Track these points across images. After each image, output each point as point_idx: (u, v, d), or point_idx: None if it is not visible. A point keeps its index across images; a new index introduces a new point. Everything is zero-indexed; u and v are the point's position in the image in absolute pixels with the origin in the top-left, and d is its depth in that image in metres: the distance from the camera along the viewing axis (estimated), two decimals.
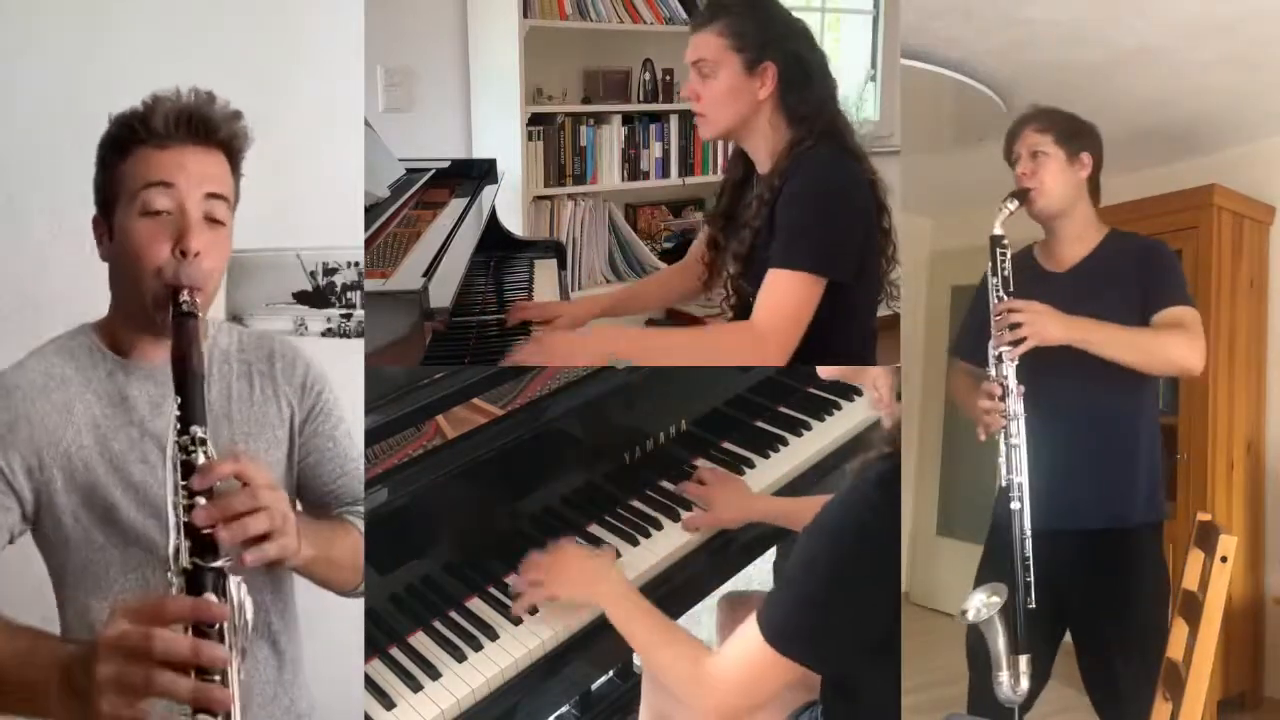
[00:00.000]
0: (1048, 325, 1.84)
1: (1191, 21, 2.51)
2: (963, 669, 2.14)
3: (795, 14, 1.77)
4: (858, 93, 4.63)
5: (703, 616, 2.30)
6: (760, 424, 2.08)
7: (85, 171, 2.23)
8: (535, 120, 3.52)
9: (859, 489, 1.26)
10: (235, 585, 1.02)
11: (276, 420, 1.46)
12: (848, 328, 1.70)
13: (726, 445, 2.03)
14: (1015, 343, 1.83)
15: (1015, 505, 1.84)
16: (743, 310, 1.74)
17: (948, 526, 4.68)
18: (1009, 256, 1.91)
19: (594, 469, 1.80)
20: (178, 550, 1.02)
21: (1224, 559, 1.63)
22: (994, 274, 1.90)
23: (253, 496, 1.09)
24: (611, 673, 2.24)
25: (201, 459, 1.06)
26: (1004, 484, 1.85)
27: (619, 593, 1.52)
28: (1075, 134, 2.04)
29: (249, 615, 1.02)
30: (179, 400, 1.08)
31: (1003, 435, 1.86)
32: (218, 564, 1.02)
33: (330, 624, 1.81)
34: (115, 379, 1.33)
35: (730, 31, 1.68)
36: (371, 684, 1.47)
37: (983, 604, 1.67)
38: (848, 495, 1.27)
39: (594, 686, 2.24)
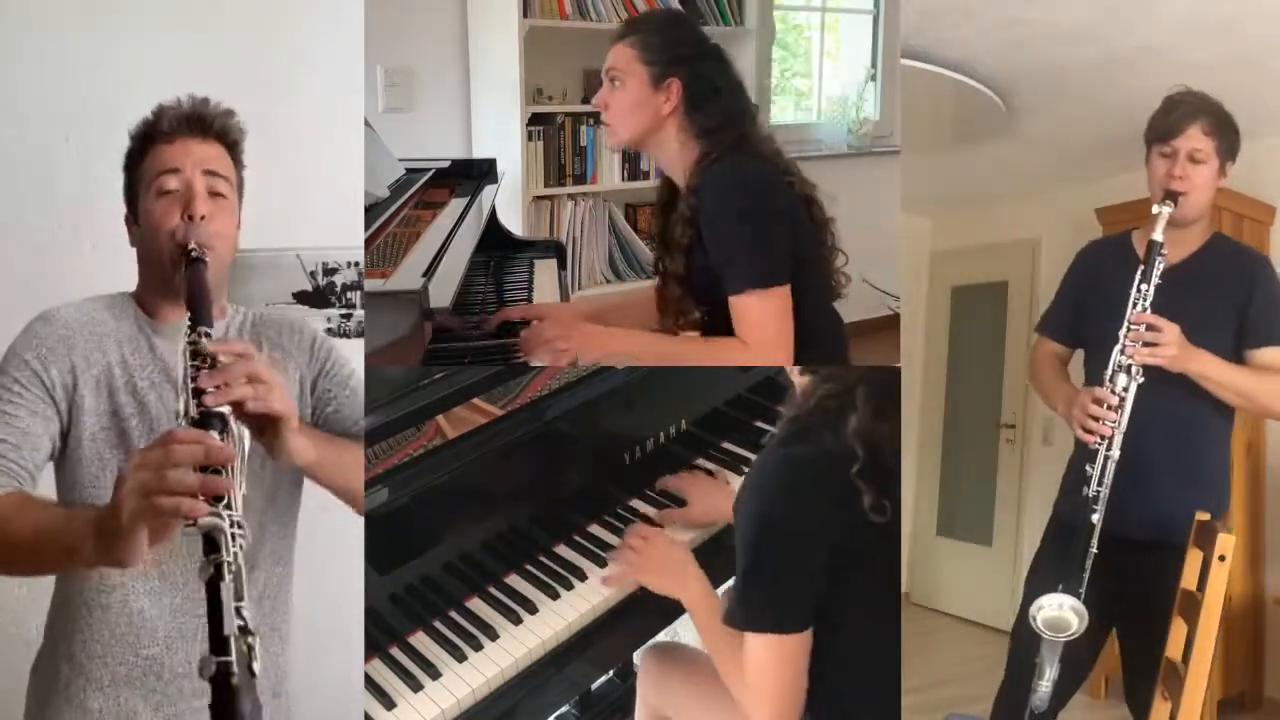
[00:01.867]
0: (1185, 355, 1.81)
1: (1191, 21, 2.52)
2: (964, 669, 2.14)
3: (734, 32, 1.79)
4: (858, 93, 4.64)
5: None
6: (760, 424, 2.08)
7: (85, 171, 2.24)
8: (535, 120, 3.53)
9: (757, 460, 1.37)
10: (234, 423, 1.20)
11: (290, 381, 1.56)
12: (799, 324, 1.70)
13: (726, 445, 2.03)
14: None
15: (1096, 518, 1.77)
16: (705, 328, 1.80)
17: (948, 526, 4.68)
18: (1163, 267, 1.82)
19: (594, 469, 1.80)
20: (186, 406, 1.19)
21: (1222, 558, 1.63)
22: (1145, 280, 1.81)
23: (248, 365, 1.25)
24: (611, 673, 2.24)
25: (207, 347, 1.25)
26: (1090, 493, 1.79)
27: (704, 593, 1.57)
28: (1233, 144, 1.95)
29: (246, 444, 1.20)
30: (190, 314, 1.30)
31: (1102, 445, 1.80)
32: (219, 409, 1.19)
33: (330, 623, 1.81)
34: (144, 331, 1.53)
35: (641, 45, 1.75)
36: (371, 684, 1.48)
37: (1059, 616, 1.67)
38: (751, 470, 1.37)
39: (594, 686, 2.24)
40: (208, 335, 1.27)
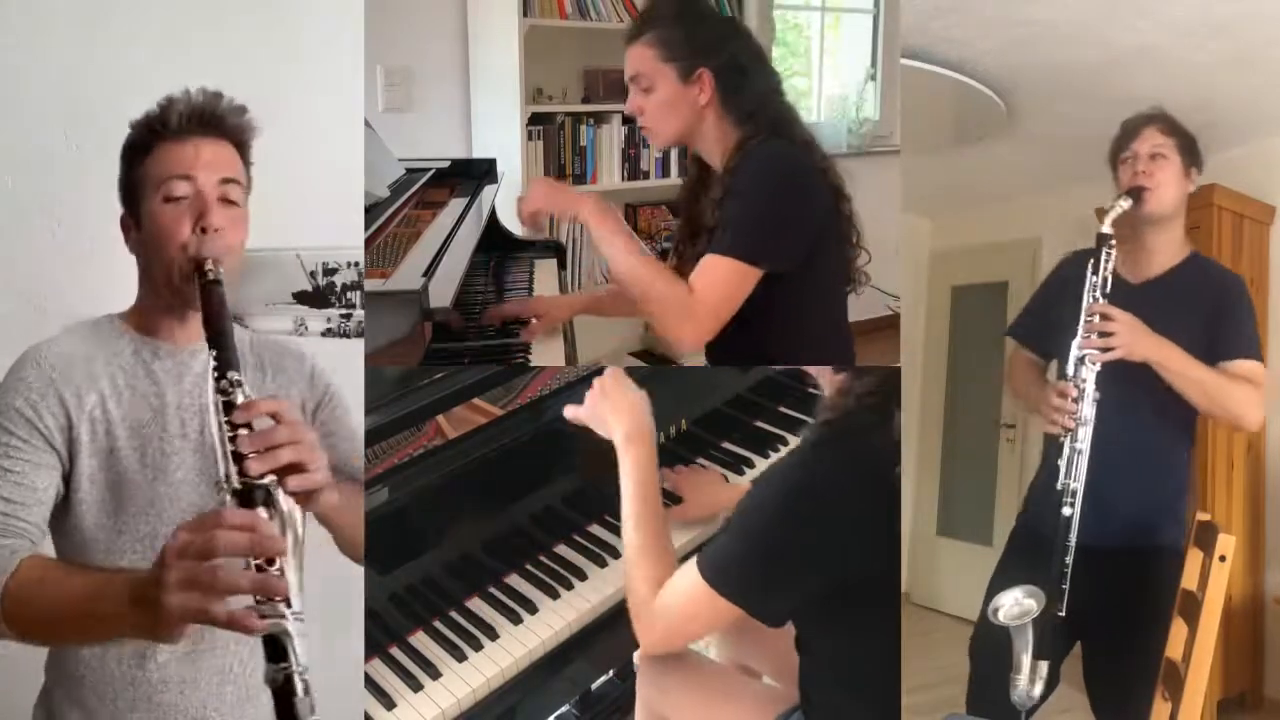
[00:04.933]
0: (1140, 341, 1.81)
1: (1191, 21, 2.51)
2: (964, 669, 2.14)
3: (726, 14, 1.78)
4: (858, 93, 4.63)
5: None
6: (760, 424, 2.08)
7: (85, 171, 2.24)
8: (535, 120, 3.53)
9: (798, 450, 1.34)
10: (281, 497, 1.12)
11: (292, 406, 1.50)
12: (802, 319, 1.70)
13: (726, 445, 2.03)
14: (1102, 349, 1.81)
15: (1067, 511, 1.78)
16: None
17: (948, 526, 4.68)
18: (1114, 256, 1.85)
19: (593, 469, 1.80)
20: (228, 474, 1.11)
21: (1223, 558, 1.63)
22: (1094, 272, 1.84)
23: (290, 430, 1.17)
24: (611, 672, 2.24)
25: (240, 398, 1.17)
26: (1059, 487, 1.79)
27: (649, 456, 1.56)
28: (1192, 148, 1.99)
29: (299, 519, 1.13)
30: (214, 352, 1.20)
31: (1067, 439, 1.81)
32: (264, 481, 1.11)
33: (330, 623, 1.81)
34: (141, 356, 1.43)
35: (659, 43, 1.69)
36: (372, 684, 1.48)
37: (1018, 606, 1.65)
38: (789, 456, 1.36)
39: (594, 686, 2.23)
40: (240, 384, 1.17)
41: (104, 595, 1.11)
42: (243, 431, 1.14)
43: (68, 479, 1.37)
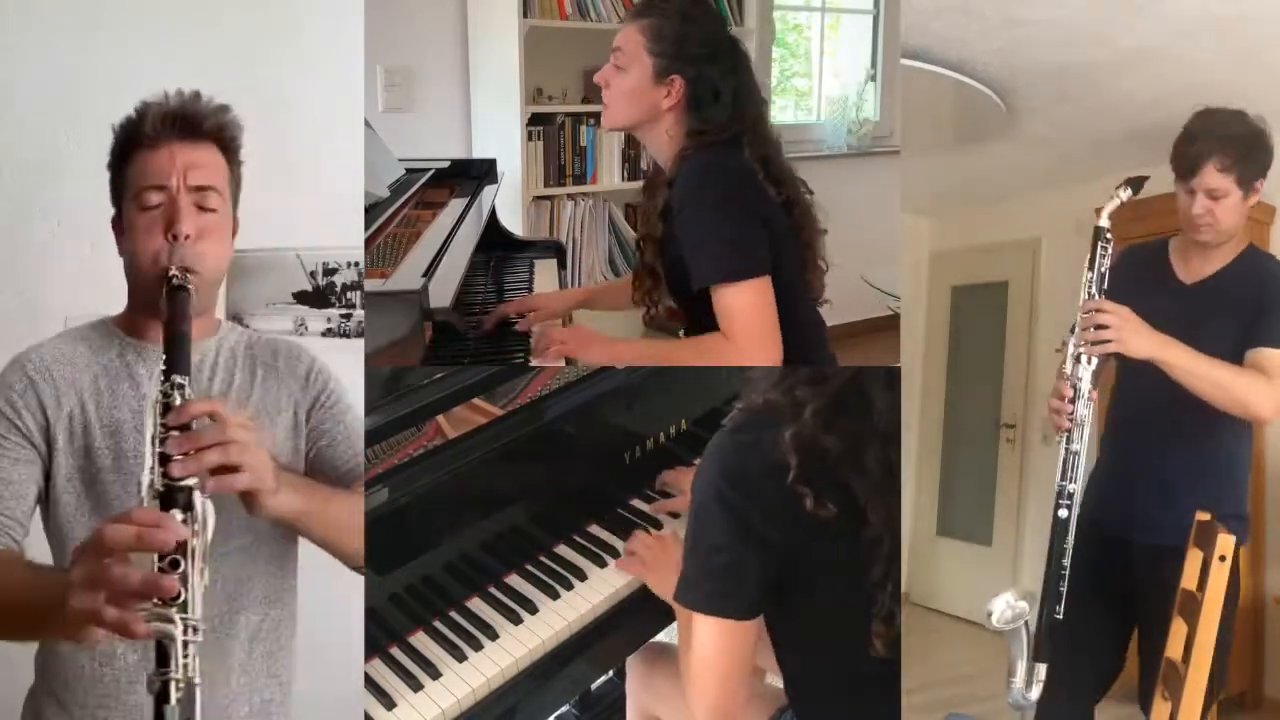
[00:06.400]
0: (1134, 337, 1.77)
1: (1191, 21, 2.51)
2: (964, 669, 2.15)
3: (735, 34, 1.78)
4: (858, 93, 4.64)
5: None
6: None
7: (85, 171, 2.23)
8: (535, 120, 3.53)
9: (714, 440, 1.31)
10: (200, 501, 1.10)
11: (282, 409, 1.50)
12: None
13: None
14: (1095, 344, 1.78)
15: (1064, 513, 1.75)
16: (688, 327, 1.78)
17: (947, 526, 4.68)
18: (1110, 251, 1.82)
19: (594, 469, 1.80)
20: (151, 476, 1.10)
21: (1222, 558, 1.63)
22: (1090, 268, 1.81)
23: (220, 431, 1.16)
24: (611, 672, 2.24)
25: (178, 400, 1.15)
26: (1057, 488, 1.77)
27: None
28: (1255, 162, 1.93)
29: (210, 524, 1.10)
30: (164, 356, 1.18)
31: (1064, 438, 1.78)
32: (186, 483, 1.10)
33: (330, 623, 1.81)
34: (125, 358, 1.44)
35: (652, 32, 1.68)
36: (371, 684, 1.47)
37: (1010, 610, 1.64)
38: (703, 461, 1.32)
39: (594, 686, 2.24)
40: (181, 388, 1.16)
41: (41, 596, 1.10)
42: (174, 434, 1.13)
43: (48, 478, 1.39)
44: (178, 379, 1.16)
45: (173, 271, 1.30)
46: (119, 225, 1.44)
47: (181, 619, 1.01)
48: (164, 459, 1.11)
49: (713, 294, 1.62)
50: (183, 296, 1.27)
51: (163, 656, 1.00)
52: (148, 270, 1.36)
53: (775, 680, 1.80)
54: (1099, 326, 1.77)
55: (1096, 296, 1.80)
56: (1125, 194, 1.84)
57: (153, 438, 1.12)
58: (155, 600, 1.00)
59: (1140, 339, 1.78)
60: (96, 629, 1.00)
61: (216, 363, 1.49)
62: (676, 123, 1.71)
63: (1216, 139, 1.89)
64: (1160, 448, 1.91)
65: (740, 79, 1.73)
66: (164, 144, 1.37)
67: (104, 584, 0.98)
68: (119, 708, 1.40)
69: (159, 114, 1.38)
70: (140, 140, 1.38)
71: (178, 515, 1.07)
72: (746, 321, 1.60)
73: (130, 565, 1.00)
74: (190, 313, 1.26)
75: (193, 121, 1.39)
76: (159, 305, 1.32)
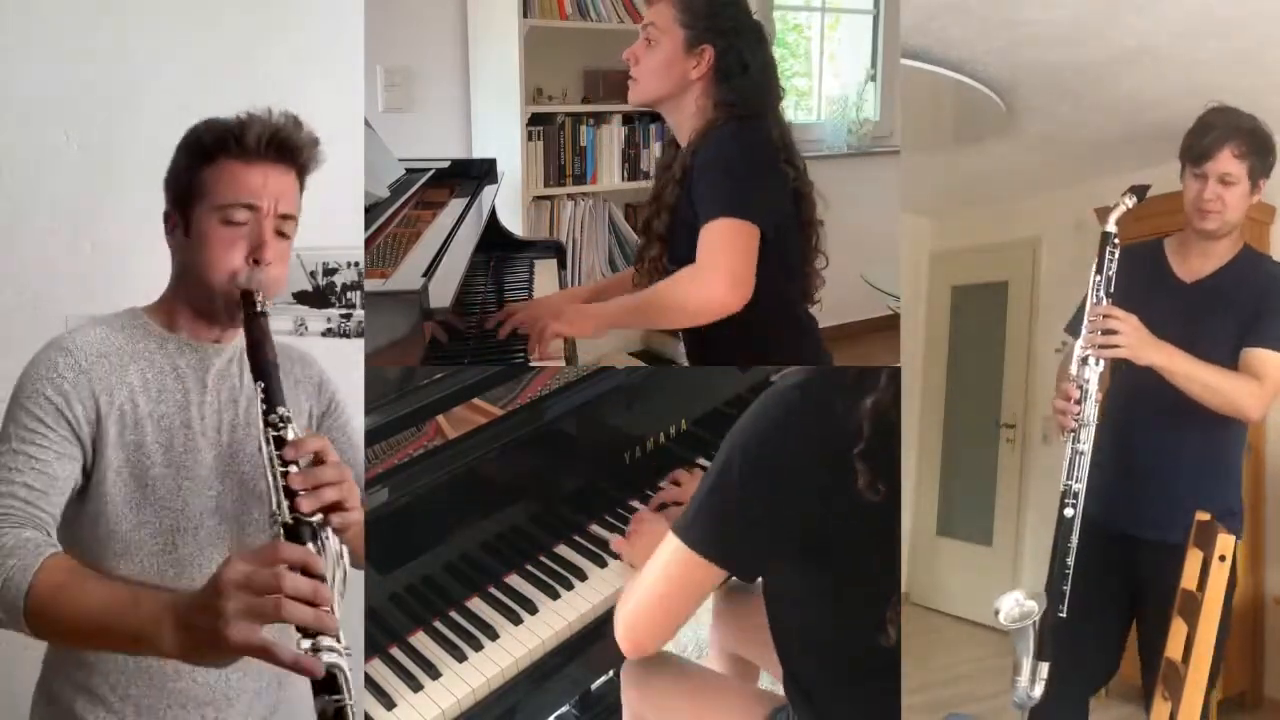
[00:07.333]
0: (1144, 346, 1.82)
1: (1191, 21, 2.52)
2: (964, 669, 2.15)
3: (773, 13, 1.80)
4: (858, 93, 4.63)
5: (700, 614, 2.29)
6: None
7: (85, 171, 2.23)
8: (535, 120, 3.53)
9: (761, 402, 1.27)
10: (329, 535, 1.19)
11: (300, 411, 1.52)
12: (770, 321, 1.71)
13: None
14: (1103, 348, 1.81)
15: (1069, 513, 1.77)
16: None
17: (948, 526, 4.68)
18: (1118, 256, 1.84)
19: (594, 469, 1.80)
20: (279, 508, 1.17)
21: (1222, 558, 1.63)
22: (1099, 271, 1.84)
23: (335, 470, 1.23)
24: (611, 672, 2.24)
25: (290, 434, 1.23)
26: (1062, 488, 1.79)
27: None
28: (1263, 160, 1.97)
29: (347, 561, 1.21)
30: (261, 386, 1.26)
31: (1070, 438, 1.80)
32: (313, 518, 1.18)
33: None
34: (166, 349, 1.43)
35: (682, 5, 1.74)
36: (371, 684, 1.48)
37: (1019, 608, 1.63)
38: (753, 408, 1.28)
39: (593, 686, 2.24)
40: (287, 420, 1.23)
41: (130, 612, 1.11)
42: (292, 469, 1.19)
43: (89, 471, 1.36)
44: (282, 411, 1.23)
45: (259, 298, 1.33)
46: (175, 220, 1.41)
47: (342, 648, 1.08)
48: (289, 492, 1.17)
49: (703, 230, 1.63)
50: (265, 323, 1.31)
51: (331, 684, 1.07)
52: (220, 284, 1.36)
53: (775, 685, 1.80)
54: (1108, 331, 1.79)
55: (1104, 301, 1.83)
56: (1130, 201, 1.87)
57: (273, 471, 1.19)
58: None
59: (1148, 348, 1.82)
60: (234, 660, 1.06)
61: (243, 364, 1.47)
62: (704, 94, 1.75)
63: (1233, 128, 1.95)
64: (1164, 446, 1.92)
65: (766, 54, 1.78)
66: (259, 163, 1.37)
67: (273, 619, 1.03)
68: (163, 695, 1.40)
69: (264, 131, 1.37)
70: (234, 151, 1.37)
71: (311, 549, 1.14)
72: (723, 253, 1.61)
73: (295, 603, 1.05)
74: (272, 337, 1.31)
75: (291, 149, 1.39)
76: (211, 311, 1.39)
